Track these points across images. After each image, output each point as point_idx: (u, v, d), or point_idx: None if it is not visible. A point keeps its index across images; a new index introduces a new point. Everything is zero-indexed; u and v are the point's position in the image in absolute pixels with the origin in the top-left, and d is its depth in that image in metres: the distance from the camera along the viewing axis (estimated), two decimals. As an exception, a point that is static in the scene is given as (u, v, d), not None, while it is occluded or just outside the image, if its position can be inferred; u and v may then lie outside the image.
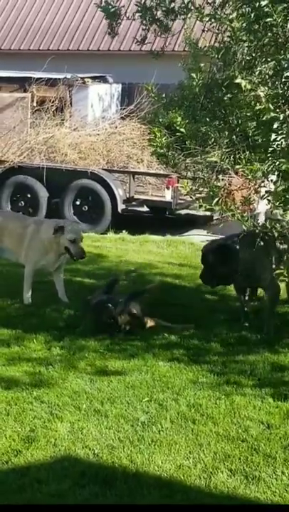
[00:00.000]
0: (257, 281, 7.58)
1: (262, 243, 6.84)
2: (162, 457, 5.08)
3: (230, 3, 6.07)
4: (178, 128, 6.16)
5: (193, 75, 6.12)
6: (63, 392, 6.06)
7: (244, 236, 7.00)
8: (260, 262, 7.34)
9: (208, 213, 12.15)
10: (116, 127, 14.71)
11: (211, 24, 5.90)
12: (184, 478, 4.85)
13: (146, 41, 6.64)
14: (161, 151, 6.18)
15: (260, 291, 8.15)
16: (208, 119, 6.25)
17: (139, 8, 6.34)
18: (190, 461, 5.04)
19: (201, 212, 12.49)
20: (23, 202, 13.47)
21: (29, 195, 13.46)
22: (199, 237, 12.22)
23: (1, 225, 8.57)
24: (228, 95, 6.35)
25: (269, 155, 6.21)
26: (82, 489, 4.68)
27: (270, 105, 5.72)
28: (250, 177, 5.73)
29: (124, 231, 12.67)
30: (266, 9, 5.34)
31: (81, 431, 5.42)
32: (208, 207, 6.10)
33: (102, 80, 16.46)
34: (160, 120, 12.09)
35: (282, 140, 6.05)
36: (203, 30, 6.32)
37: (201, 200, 6.03)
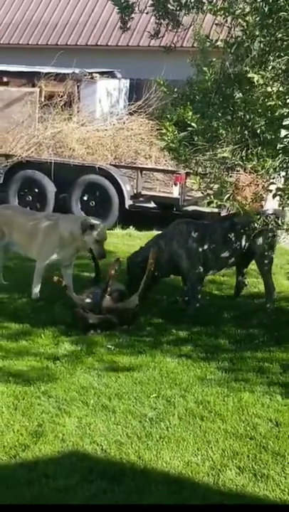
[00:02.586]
0: (179, 271, 8.18)
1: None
2: (170, 454, 5.06)
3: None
4: (189, 123, 6.11)
5: (205, 69, 6.06)
6: (71, 387, 6.04)
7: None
8: (178, 254, 7.97)
9: (215, 210, 12.13)
10: (124, 123, 14.64)
11: (224, 18, 5.85)
12: (193, 475, 4.83)
13: (159, 35, 6.59)
14: (173, 145, 6.14)
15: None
16: (219, 114, 6.20)
17: (152, 2, 6.29)
18: (198, 458, 5.02)
19: (208, 209, 12.45)
20: (30, 197, 13.43)
21: (37, 190, 13.42)
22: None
23: (10, 219, 8.52)
24: (239, 91, 6.31)
25: (279, 151, 6.17)
26: (90, 485, 4.67)
27: (280, 102, 5.68)
28: (262, 173, 5.69)
29: (131, 227, 12.63)
30: (281, 3, 5.29)
31: (89, 426, 5.40)
32: (218, 203, 6.06)
33: (111, 75, 16.40)
34: (168, 116, 12.03)
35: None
36: (216, 24, 6.27)
37: (211, 196, 5.99)
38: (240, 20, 5.60)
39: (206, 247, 7.99)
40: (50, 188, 13.33)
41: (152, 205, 13.35)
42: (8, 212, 8.88)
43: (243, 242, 8.05)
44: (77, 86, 15.09)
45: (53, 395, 5.88)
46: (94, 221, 8.12)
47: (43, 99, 14.71)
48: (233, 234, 8.04)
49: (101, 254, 8.00)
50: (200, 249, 7.97)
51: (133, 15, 6.65)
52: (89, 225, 7.93)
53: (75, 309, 7.38)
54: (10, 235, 8.47)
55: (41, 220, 8.36)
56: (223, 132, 6.42)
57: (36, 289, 8.22)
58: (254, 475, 4.85)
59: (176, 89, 6.76)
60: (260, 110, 5.92)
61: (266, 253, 8.12)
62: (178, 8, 6.44)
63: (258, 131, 6.34)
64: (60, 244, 8.11)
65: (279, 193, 6.19)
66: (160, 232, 8.54)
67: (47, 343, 6.99)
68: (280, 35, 5.66)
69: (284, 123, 6.04)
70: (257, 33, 5.84)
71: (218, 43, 5.90)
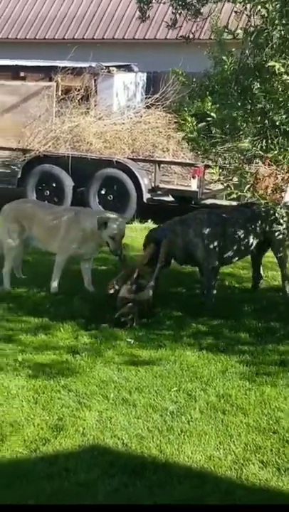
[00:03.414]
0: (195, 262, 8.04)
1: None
2: (192, 448, 5.00)
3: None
4: (208, 113, 6.03)
5: (224, 58, 5.98)
6: (91, 381, 6.00)
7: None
8: (193, 243, 7.81)
9: (234, 203, 12.05)
10: (141, 116, 14.58)
11: (243, 6, 5.76)
12: (215, 469, 4.77)
13: (176, 25, 6.51)
14: (192, 135, 6.06)
15: None
16: (239, 104, 6.12)
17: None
18: (220, 452, 4.96)
19: (226, 202, 12.36)
20: (48, 191, 13.38)
21: (54, 185, 13.38)
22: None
23: (31, 213, 8.48)
24: (259, 80, 6.22)
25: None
26: (111, 479, 4.62)
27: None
28: (283, 163, 5.61)
29: (149, 220, 12.57)
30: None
31: (109, 420, 5.36)
32: (238, 194, 5.99)
33: (128, 68, 16.34)
34: (185, 109, 11.95)
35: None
36: (235, 12, 6.19)
37: (232, 187, 5.92)
38: (259, 7, 5.51)
39: (225, 238, 7.90)
40: (68, 183, 13.29)
41: (170, 198, 13.29)
42: (28, 206, 8.84)
43: (260, 232, 8.04)
44: (94, 80, 15.04)
45: (73, 389, 5.83)
46: (111, 216, 8.03)
47: (60, 93, 14.68)
48: (251, 223, 8.00)
49: (115, 251, 7.90)
50: (219, 241, 7.86)
51: (152, 4, 6.58)
52: (104, 221, 7.86)
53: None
54: (30, 229, 8.42)
55: (62, 213, 8.31)
56: (243, 123, 6.35)
57: (55, 283, 8.18)
58: (277, 469, 4.78)
59: (194, 80, 6.69)
60: (280, 100, 5.83)
61: (283, 242, 8.11)
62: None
63: (278, 122, 6.25)
64: (82, 238, 8.06)
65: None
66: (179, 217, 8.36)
67: (66, 336, 6.95)
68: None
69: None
70: (277, 21, 5.75)
71: (238, 31, 5.82)
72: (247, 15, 6.07)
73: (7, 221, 8.48)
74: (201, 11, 6.65)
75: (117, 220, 8.04)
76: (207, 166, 11.76)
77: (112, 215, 8.14)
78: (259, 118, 6.25)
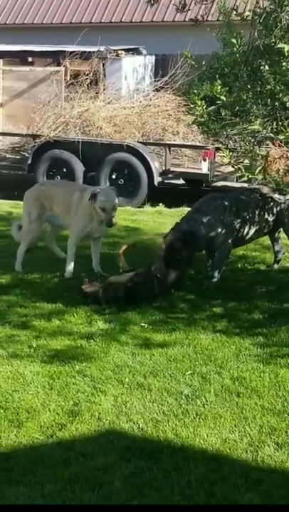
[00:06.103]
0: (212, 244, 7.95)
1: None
2: (207, 431, 5.02)
3: None
4: (218, 96, 6.02)
5: (234, 40, 5.95)
6: (106, 365, 6.02)
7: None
8: (215, 227, 7.80)
9: (245, 185, 12.02)
10: (150, 99, 14.58)
11: (251, -13, 5.74)
12: (231, 451, 4.79)
13: (185, 8, 6.48)
14: (202, 119, 6.05)
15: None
16: (248, 87, 6.10)
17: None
18: (236, 435, 4.98)
19: (237, 184, 12.34)
20: (59, 176, 13.42)
21: (65, 170, 13.41)
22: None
23: (50, 192, 8.58)
24: (268, 62, 6.20)
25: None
26: (127, 463, 4.64)
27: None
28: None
29: (160, 204, 12.57)
30: None
31: (125, 405, 5.38)
32: (249, 176, 5.98)
33: (136, 52, 16.31)
34: (194, 91, 11.91)
35: None
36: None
37: (242, 170, 5.91)
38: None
39: (240, 220, 7.93)
40: (79, 167, 13.32)
41: (181, 181, 13.28)
42: (47, 186, 9.03)
43: (272, 212, 8.09)
44: (103, 64, 15.02)
45: (88, 374, 5.87)
46: (100, 188, 8.22)
47: (68, 78, 14.68)
48: (263, 205, 8.03)
49: (107, 222, 8.01)
50: (234, 223, 7.91)
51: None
52: (94, 193, 7.97)
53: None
54: (51, 209, 8.50)
55: (75, 192, 8.36)
56: (253, 105, 6.33)
57: (70, 267, 8.23)
58: (293, 451, 4.80)
59: (203, 63, 6.67)
60: (290, 81, 5.82)
61: None
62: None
63: (288, 104, 6.23)
64: (89, 216, 8.12)
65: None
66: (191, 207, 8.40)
67: (80, 322, 6.98)
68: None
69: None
70: (286, 2, 5.71)
71: (246, 13, 5.79)
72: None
73: (28, 205, 8.60)
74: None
75: (106, 192, 8.17)
76: (217, 149, 11.76)
77: (102, 187, 8.31)
78: (269, 100, 6.23)
